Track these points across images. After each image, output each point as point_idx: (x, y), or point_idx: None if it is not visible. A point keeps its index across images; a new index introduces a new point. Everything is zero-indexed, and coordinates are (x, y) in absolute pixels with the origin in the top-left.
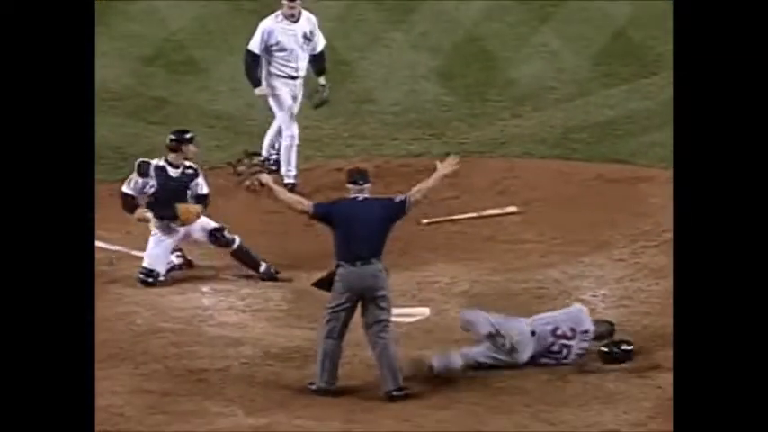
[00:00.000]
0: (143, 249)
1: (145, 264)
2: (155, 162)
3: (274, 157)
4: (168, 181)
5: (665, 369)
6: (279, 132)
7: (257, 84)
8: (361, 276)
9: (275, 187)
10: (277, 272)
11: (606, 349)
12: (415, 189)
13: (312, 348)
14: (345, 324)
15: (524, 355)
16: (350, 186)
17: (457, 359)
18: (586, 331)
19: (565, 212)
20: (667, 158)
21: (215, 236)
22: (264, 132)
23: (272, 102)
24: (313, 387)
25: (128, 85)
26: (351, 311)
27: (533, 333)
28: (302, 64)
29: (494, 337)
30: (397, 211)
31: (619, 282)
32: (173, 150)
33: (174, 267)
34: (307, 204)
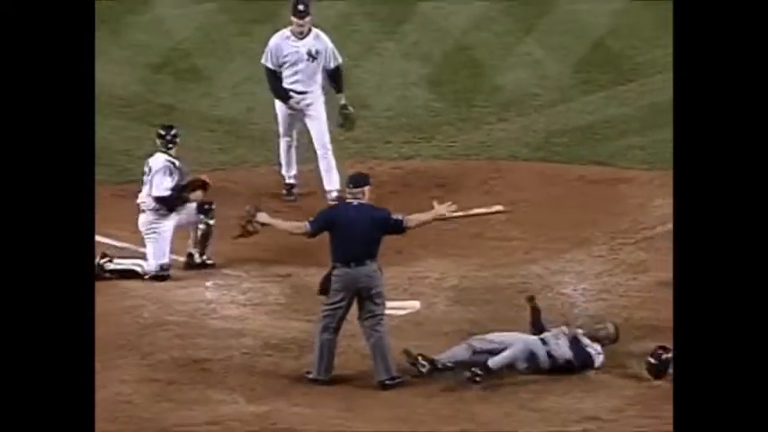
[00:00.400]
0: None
1: (153, 264)
2: (167, 159)
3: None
4: (181, 173)
5: (642, 359)
6: (288, 148)
7: (282, 96)
8: (356, 277)
9: (273, 222)
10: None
11: (654, 361)
12: (412, 216)
13: (308, 340)
14: (341, 319)
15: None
16: (347, 189)
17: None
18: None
19: (548, 212)
20: (645, 160)
21: (204, 208)
22: (264, 135)
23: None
24: (310, 376)
25: (136, 91)
26: (346, 308)
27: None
28: (310, 79)
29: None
30: (393, 228)
31: (598, 277)
32: (173, 144)
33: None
34: (303, 226)
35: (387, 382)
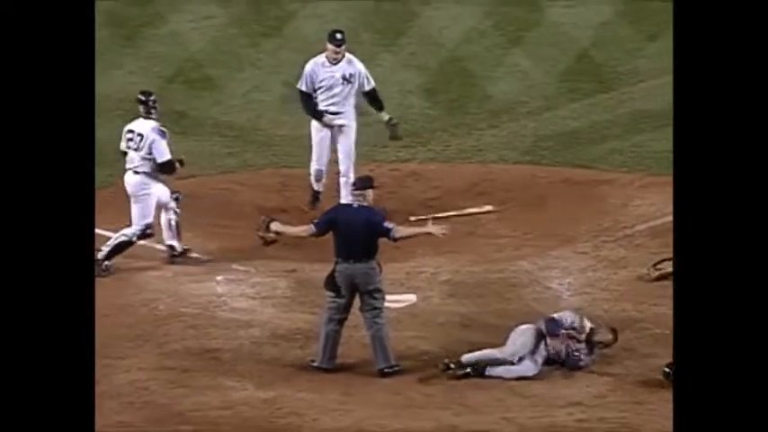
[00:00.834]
0: (160, 240)
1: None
2: (155, 124)
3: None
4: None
5: (622, 348)
6: (319, 172)
7: (317, 116)
8: (355, 273)
9: (285, 229)
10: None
11: (668, 370)
12: (403, 227)
13: (313, 330)
14: (345, 311)
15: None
16: (352, 190)
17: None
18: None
19: (535, 211)
20: (625, 163)
21: (174, 196)
22: (269, 141)
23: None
24: (314, 364)
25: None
26: (348, 301)
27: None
28: (344, 101)
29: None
30: (383, 233)
31: (582, 272)
32: (154, 109)
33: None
34: (309, 228)
35: (386, 370)
